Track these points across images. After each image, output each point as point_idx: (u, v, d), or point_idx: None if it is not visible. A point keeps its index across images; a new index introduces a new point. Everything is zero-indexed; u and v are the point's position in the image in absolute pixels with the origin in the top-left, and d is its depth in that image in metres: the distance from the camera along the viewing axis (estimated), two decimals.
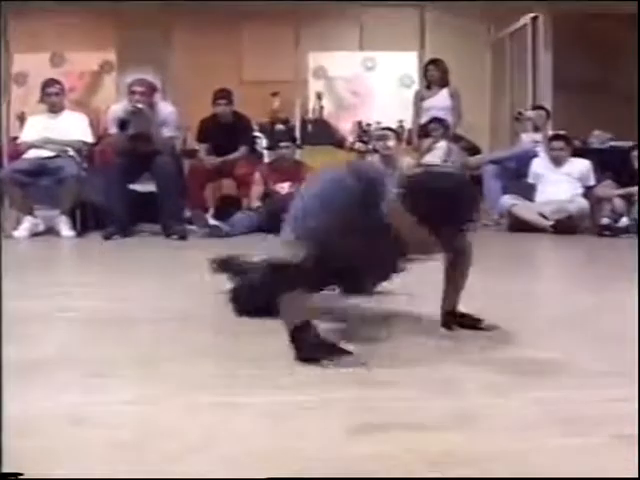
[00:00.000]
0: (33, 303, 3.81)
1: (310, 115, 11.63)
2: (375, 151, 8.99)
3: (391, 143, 8.63)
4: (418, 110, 9.80)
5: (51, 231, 7.75)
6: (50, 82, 8.28)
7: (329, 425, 2.03)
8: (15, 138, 9.35)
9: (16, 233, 7.62)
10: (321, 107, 11.68)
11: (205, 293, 3.89)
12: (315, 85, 11.92)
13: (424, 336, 3.04)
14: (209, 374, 2.55)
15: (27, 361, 2.69)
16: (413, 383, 2.41)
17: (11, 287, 3.78)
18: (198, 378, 2.51)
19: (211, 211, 8.33)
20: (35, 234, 7.68)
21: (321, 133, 11.18)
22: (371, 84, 12.11)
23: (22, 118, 10.02)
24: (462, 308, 3.17)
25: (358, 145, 10.47)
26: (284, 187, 8.14)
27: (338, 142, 11.10)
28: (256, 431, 2.01)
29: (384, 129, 9.26)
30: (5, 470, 1.85)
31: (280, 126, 10.53)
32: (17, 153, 8.43)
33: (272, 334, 2.82)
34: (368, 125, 11.34)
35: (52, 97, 8.12)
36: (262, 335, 2.98)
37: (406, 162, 8.37)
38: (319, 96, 11.73)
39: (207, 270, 3.81)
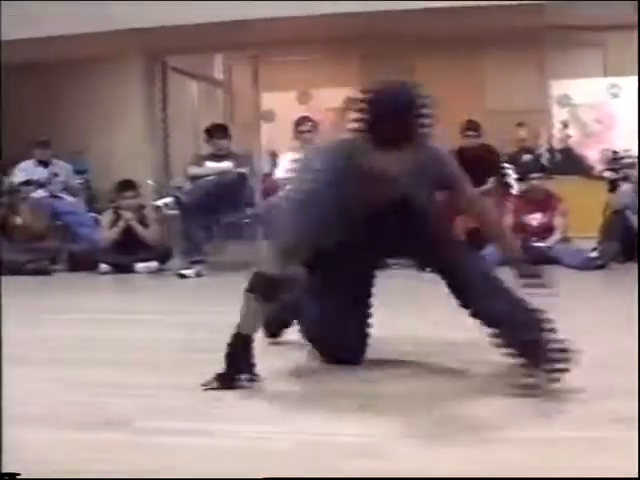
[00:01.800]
0: None
1: (556, 144, 11.43)
2: (626, 179, 8.72)
3: None
4: None
5: None
6: (303, 119, 8.49)
7: None
8: (267, 174, 9.63)
9: None
10: (567, 136, 11.45)
11: None
12: (559, 113, 11.72)
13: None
14: None
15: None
16: None
17: None
18: None
19: None
20: None
21: (568, 162, 10.95)
22: (616, 111, 11.78)
23: (273, 155, 10.31)
24: None
25: (608, 174, 10.18)
26: (536, 218, 8.01)
27: (586, 171, 10.84)
28: None
29: (636, 157, 8.98)
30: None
31: (527, 156, 10.38)
32: (272, 189, 8.66)
33: None
34: (615, 153, 11.01)
35: (305, 134, 8.32)
36: None
37: None
38: (565, 124, 11.52)
39: None
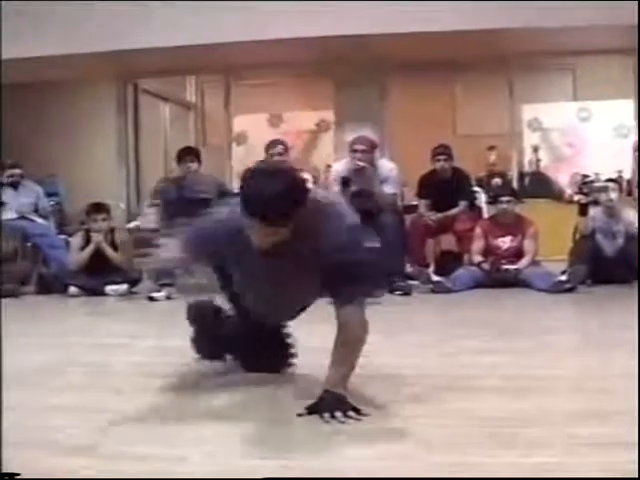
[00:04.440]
0: None
1: (527, 168, 11.50)
2: (596, 203, 8.77)
3: (614, 195, 8.39)
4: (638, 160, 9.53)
5: None
6: (274, 142, 8.50)
7: None
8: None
9: None
10: (538, 160, 11.54)
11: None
12: (530, 137, 11.80)
13: None
14: None
15: None
16: None
17: None
18: None
19: (432, 267, 8.29)
20: None
21: (539, 186, 11.04)
22: (586, 135, 11.88)
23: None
24: None
25: (578, 197, 10.23)
26: (505, 242, 8.04)
27: (556, 194, 10.91)
28: None
29: (606, 180, 9.03)
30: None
31: (497, 180, 10.45)
32: None
33: None
34: (585, 176, 11.09)
35: (276, 157, 8.32)
36: None
37: (631, 214, 8.13)
38: (535, 149, 11.61)
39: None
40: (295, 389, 3.33)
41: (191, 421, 2.93)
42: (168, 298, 7.41)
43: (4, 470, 2.04)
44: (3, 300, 7.78)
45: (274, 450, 2.56)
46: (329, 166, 9.31)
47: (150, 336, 5.32)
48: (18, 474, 2.00)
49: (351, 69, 10.59)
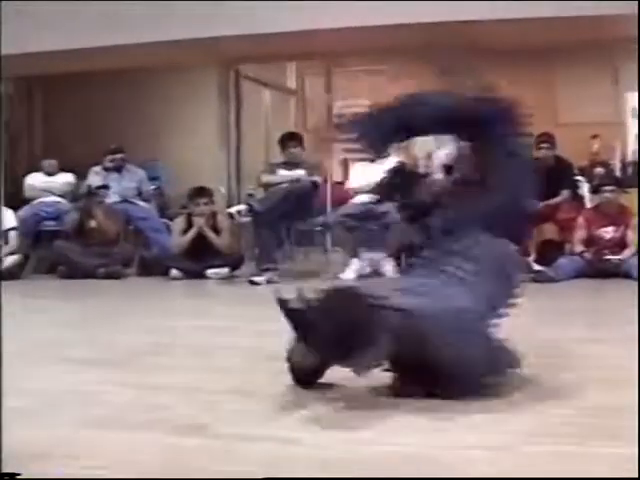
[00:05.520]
0: None
1: (630, 157, 11.29)
2: None
3: None
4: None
5: (376, 273, 7.92)
6: None
7: None
8: (338, 183, 9.65)
9: (343, 275, 7.86)
10: None
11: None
12: (634, 126, 11.57)
13: None
14: None
15: None
16: None
17: None
18: None
19: (533, 256, 8.21)
20: (361, 276, 7.89)
21: None
22: None
23: (345, 164, 10.33)
24: None
25: None
26: (608, 231, 7.92)
27: None
28: None
29: None
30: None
31: (600, 169, 10.27)
32: (342, 198, 8.69)
33: None
34: None
35: None
36: None
37: None
38: (639, 138, 11.38)
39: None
40: None
41: (304, 403, 2.95)
42: (269, 282, 7.47)
43: (3, 470, 2.07)
44: (107, 281, 7.98)
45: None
46: (429, 154, 9.25)
47: (255, 319, 5.36)
48: (19, 474, 2.03)
49: (450, 56, 10.48)
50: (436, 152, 8.40)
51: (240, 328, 4.91)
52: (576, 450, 2.37)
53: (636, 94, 11.54)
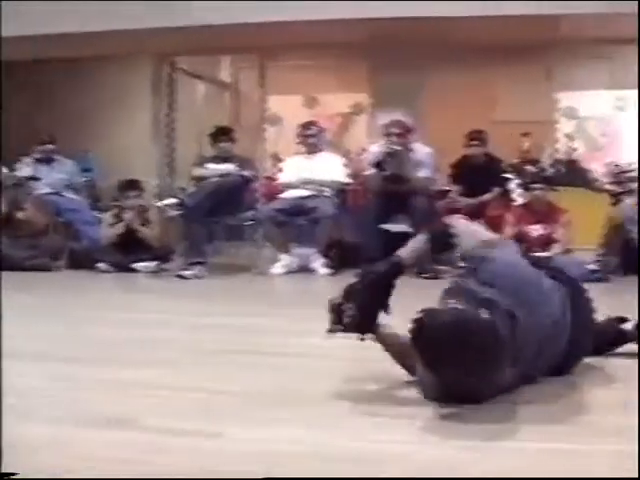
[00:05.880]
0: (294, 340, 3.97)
1: (561, 156, 11.43)
2: (628, 193, 8.72)
3: None
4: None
5: (305, 269, 7.92)
6: (308, 124, 8.52)
7: None
8: (269, 178, 9.64)
9: (272, 270, 7.85)
10: (572, 148, 11.46)
11: None
12: (566, 126, 11.72)
13: None
14: None
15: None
16: None
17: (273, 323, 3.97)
18: None
19: None
20: (290, 271, 7.89)
21: (573, 174, 10.96)
22: (622, 124, 11.78)
23: (276, 158, 10.32)
24: None
25: (610, 187, 10.18)
26: (537, 229, 8.00)
27: (589, 183, 10.83)
28: None
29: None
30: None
31: (530, 167, 10.37)
32: (273, 193, 8.69)
33: None
34: (618, 166, 11.00)
35: (310, 139, 8.34)
36: None
37: None
38: (569, 137, 11.53)
39: None
40: None
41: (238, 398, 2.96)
42: (197, 277, 7.44)
43: (3, 470, 2.05)
44: (35, 274, 7.88)
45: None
46: (364, 149, 9.29)
47: (186, 313, 5.34)
48: (17, 473, 2.00)
49: (388, 52, 10.50)
50: (371, 147, 8.47)
51: (172, 321, 4.88)
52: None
53: (568, 94, 11.73)
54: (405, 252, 3.11)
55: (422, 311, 2.70)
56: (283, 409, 2.80)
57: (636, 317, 3.55)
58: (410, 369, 2.99)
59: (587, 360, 3.31)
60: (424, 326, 2.66)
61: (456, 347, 2.58)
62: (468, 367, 2.60)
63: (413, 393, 2.90)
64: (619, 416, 2.70)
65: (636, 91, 11.31)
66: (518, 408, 2.76)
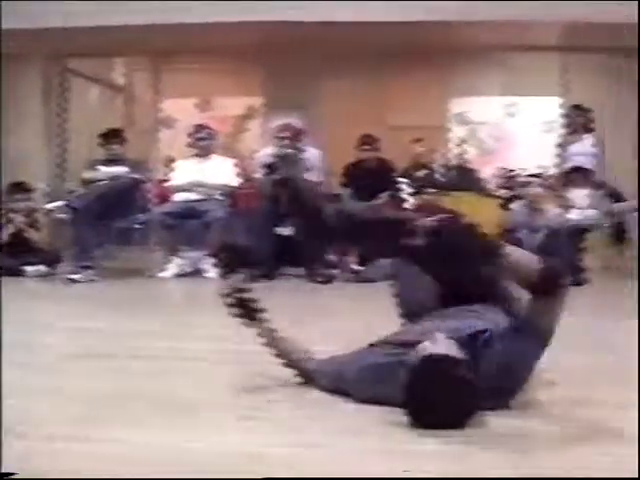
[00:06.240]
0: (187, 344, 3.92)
1: (452, 161, 11.58)
2: (519, 197, 8.88)
3: (537, 190, 8.49)
4: (561, 157, 9.64)
5: (196, 272, 7.89)
6: (200, 127, 8.49)
7: None
8: (162, 181, 9.58)
9: (162, 273, 7.81)
10: (464, 153, 11.61)
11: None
12: (457, 131, 11.90)
13: None
14: None
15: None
16: None
17: (162, 327, 3.92)
18: None
19: (353, 257, 8.31)
20: (180, 275, 7.85)
21: (463, 179, 11.08)
22: (513, 130, 12.02)
23: (169, 161, 10.26)
24: None
25: (501, 191, 10.36)
26: None
27: (480, 188, 10.99)
28: None
29: (529, 175, 9.13)
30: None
31: (421, 172, 10.48)
32: (165, 196, 8.63)
33: None
34: (510, 171, 11.21)
35: (201, 142, 8.31)
36: None
37: (554, 209, 8.23)
38: (461, 142, 11.68)
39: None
40: None
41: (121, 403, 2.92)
42: (87, 280, 7.34)
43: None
44: None
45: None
46: (255, 152, 9.29)
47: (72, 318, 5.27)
48: (16, 473, 1.97)
49: (282, 56, 10.54)
50: (262, 150, 8.46)
51: (55, 326, 4.82)
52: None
53: (461, 100, 11.90)
54: None
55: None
56: (155, 414, 2.78)
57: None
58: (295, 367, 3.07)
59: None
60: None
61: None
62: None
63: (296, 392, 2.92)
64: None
65: (527, 97, 11.60)
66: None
